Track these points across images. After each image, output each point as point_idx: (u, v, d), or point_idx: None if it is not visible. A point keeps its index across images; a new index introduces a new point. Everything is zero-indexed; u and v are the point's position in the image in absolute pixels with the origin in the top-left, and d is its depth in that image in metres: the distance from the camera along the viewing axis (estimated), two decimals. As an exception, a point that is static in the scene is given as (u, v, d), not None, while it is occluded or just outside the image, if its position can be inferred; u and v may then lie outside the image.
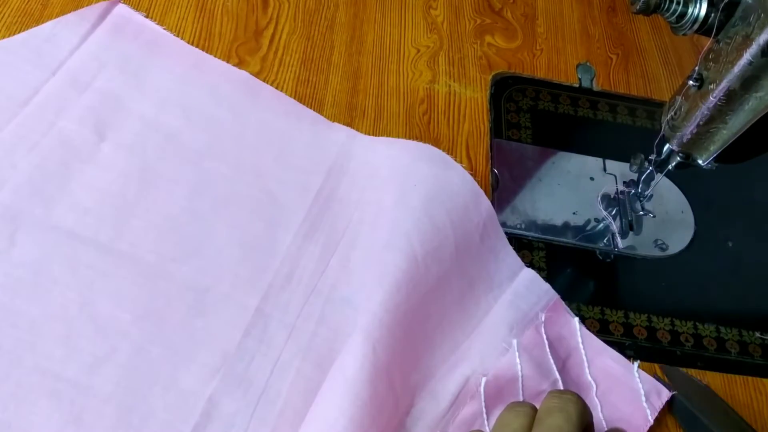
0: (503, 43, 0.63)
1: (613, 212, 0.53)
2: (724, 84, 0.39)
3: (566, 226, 0.52)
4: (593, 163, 0.55)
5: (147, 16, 0.55)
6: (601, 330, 0.46)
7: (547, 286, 0.46)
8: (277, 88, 0.53)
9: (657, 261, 0.51)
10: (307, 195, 0.47)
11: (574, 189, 0.54)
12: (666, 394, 0.43)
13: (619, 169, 0.55)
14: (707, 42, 0.40)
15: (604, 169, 0.55)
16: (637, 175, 0.51)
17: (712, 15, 0.39)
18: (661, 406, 0.42)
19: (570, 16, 0.67)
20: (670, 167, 0.46)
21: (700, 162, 0.44)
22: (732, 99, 0.39)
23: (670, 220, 0.53)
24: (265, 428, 0.38)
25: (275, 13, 0.59)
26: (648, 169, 0.49)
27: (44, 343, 0.38)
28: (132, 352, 0.39)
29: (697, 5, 0.39)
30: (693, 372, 0.46)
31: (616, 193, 0.54)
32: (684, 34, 0.40)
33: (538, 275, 0.47)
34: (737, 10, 0.38)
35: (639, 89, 0.62)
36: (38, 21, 0.53)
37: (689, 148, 0.44)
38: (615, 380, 0.43)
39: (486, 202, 0.48)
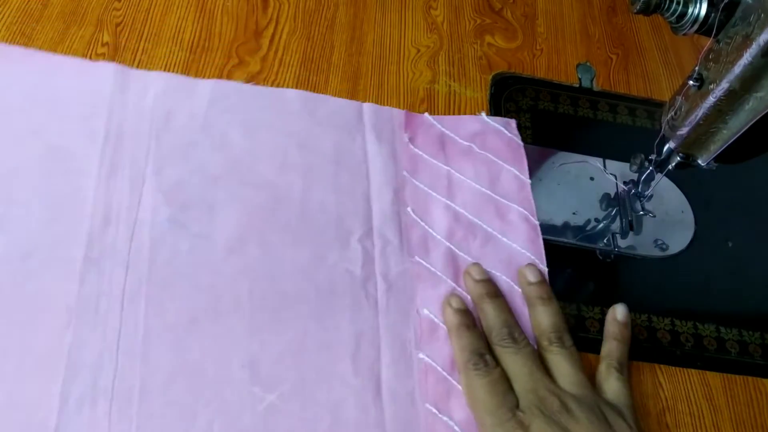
0: (503, 43, 0.63)
1: (613, 212, 0.53)
2: (724, 84, 0.39)
3: (566, 226, 0.52)
4: (593, 163, 0.55)
5: None
6: (601, 330, 0.46)
7: (388, 108, 0.53)
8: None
9: (657, 261, 0.51)
10: (96, 137, 0.47)
11: (574, 189, 0.54)
12: (514, 122, 0.54)
13: (619, 169, 0.55)
14: (707, 42, 0.40)
15: (604, 169, 0.55)
16: (637, 175, 0.51)
17: (712, 15, 0.39)
18: (516, 132, 0.53)
19: (570, 16, 0.67)
20: (670, 167, 0.46)
21: (700, 162, 0.44)
22: (732, 99, 0.39)
23: (670, 220, 0.53)
24: (134, 359, 0.39)
25: (275, 13, 0.59)
26: (648, 169, 0.49)
27: None
28: None
29: (697, 5, 0.39)
30: (693, 372, 0.46)
31: (616, 193, 0.54)
32: (684, 34, 0.40)
33: (374, 105, 0.53)
34: (737, 10, 0.38)
35: (639, 89, 0.62)
36: (38, 21, 0.53)
37: (689, 148, 0.44)
38: (481, 133, 0.53)
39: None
